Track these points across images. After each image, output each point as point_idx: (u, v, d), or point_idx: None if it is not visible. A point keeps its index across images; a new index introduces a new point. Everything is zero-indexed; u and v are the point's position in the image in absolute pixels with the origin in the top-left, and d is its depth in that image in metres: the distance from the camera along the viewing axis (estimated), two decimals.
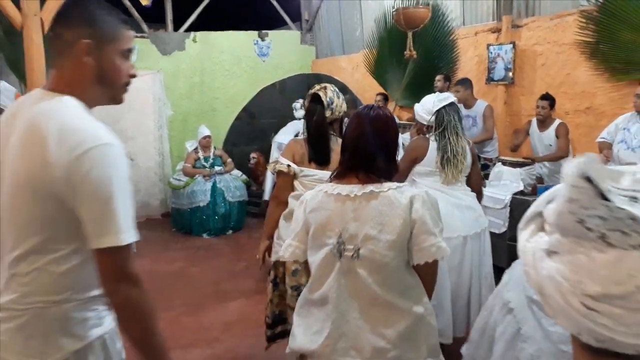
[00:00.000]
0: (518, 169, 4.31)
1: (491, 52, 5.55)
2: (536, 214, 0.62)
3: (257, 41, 7.94)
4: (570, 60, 4.91)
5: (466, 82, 5.24)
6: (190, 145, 6.60)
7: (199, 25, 7.57)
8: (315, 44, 8.40)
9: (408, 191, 1.58)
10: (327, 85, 2.64)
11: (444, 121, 2.87)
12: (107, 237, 1.17)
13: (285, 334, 2.66)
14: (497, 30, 5.59)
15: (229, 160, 6.57)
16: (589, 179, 0.51)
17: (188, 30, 7.57)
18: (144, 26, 7.24)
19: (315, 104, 2.58)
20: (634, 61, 4.41)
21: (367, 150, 1.61)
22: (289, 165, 2.54)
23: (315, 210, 1.61)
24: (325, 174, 2.35)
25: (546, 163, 4.68)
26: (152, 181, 7.19)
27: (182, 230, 6.31)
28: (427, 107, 2.94)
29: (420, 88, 6.23)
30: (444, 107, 2.89)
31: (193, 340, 3.49)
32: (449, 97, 2.95)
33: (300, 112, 6.42)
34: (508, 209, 4.05)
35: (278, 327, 2.75)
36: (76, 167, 1.16)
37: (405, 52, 4.77)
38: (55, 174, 1.16)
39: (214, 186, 6.22)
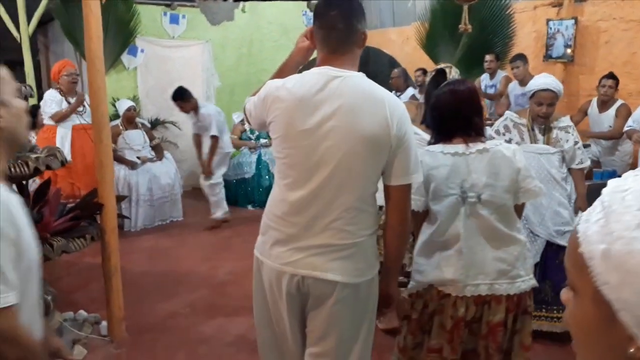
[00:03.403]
0: None
1: (550, 28, 5.30)
2: None
3: (305, 12, 7.82)
4: (638, 37, 4.64)
5: (523, 58, 5.06)
6: (236, 117, 6.64)
7: None
8: (365, 15, 8.22)
9: (510, 146, 2.01)
10: (453, 66, 2.96)
11: None
12: (411, 175, 1.62)
13: None
14: (558, 5, 5.32)
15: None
16: None
17: (237, 0, 7.53)
18: None
19: (441, 77, 2.81)
20: None
21: (468, 116, 1.97)
22: None
23: (435, 167, 1.94)
24: (427, 135, 2.70)
25: (601, 141, 4.49)
26: None
27: (228, 201, 6.40)
28: None
29: (472, 63, 6.04)
30: None
31: (237, 309, 3.56)
32: None
33: None
34: None
35: None
36: (400, 125, 1.57)
37: (460, 26, 4.60)
38: (393, 131, 1.55)
39: (259, 158, 6.26)
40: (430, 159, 1.96)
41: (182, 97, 5.26)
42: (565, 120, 3.06)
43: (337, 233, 1.58)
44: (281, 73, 1.75)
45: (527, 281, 1.97)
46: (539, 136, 3.02)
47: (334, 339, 1.65)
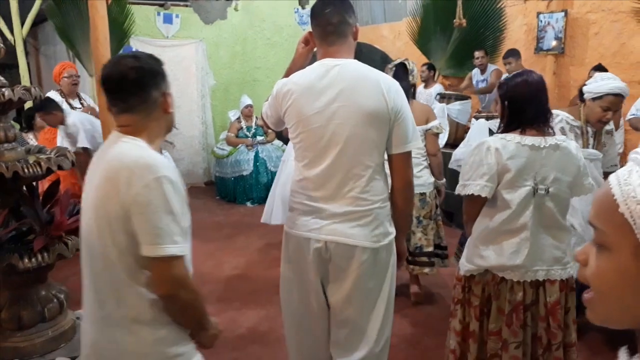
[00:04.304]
0: None
1: (541, 21, 5.39)
2: None
3: (297, 9, 7.87)
4: (627, 29, 4.75)
5: (516, 53, 5.15)
6: (232, 115, 6.69)
7: None
8: (356, 12, 8.26)
9: (573, 142, 2.10)
10: (408, 59, 3.27)
11: None
12: (409, 144, 1.82)
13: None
14: None
15: (270, 130, 6.63)
16: None
17: None
18: None
19: (402, 70, 3.13)
20: None
21: (543, 106, 2.04)
22: None
23: (512, 157, 2.00)
24: None
25: None
26: (196, 150, 7.34)
27: (226, 199, 6.46)
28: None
29: (464, 57, 6.13)
30: None
31: (246, 302, 3.62)
32: None
33: None
34: None
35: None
36: (395, 100, 1.78)
37: (454, 21, 4.69)
38: (390, 105, 1.76)
39: (256, 156, 6.32)
40: (508, 149, 2.00)
41: (41, 108, 4.35)
42: (610, 124, 2.86)
43: (354, 201, 1.78)
44: (288, 76, 1.93)
45: (573, 267, 2.10)
46: (591, 140, 2.79)
47: (358, 303, 1.82)
